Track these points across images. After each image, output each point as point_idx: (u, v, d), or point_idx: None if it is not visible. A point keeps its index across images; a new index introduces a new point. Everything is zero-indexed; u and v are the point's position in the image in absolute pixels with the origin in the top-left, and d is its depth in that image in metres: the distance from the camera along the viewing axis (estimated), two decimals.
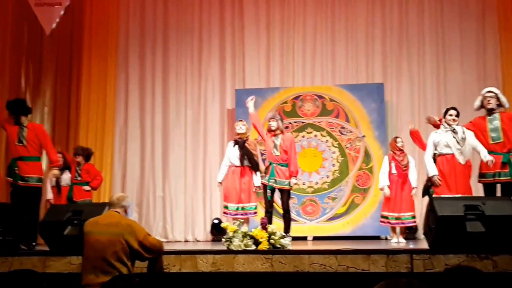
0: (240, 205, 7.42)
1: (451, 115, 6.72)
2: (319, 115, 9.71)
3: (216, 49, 10.37)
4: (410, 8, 10.00)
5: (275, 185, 7.07)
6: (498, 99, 6.50)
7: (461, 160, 6.53)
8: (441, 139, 6.62)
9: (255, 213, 7.57)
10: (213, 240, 9.51)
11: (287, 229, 6.94)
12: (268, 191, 7.09)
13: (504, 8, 9.53)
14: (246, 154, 7.47)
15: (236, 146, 7.51)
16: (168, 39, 10.47)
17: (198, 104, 10.27)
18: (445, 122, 6.72)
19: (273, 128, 7.19)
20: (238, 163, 7.47)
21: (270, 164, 7.13)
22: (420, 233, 8.13)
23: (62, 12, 9.43)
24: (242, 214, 7.35)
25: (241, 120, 7.75)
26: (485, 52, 9.68)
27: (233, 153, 7.52)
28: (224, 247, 5.68)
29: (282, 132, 7.25)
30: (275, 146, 7.13)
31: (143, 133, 10.30)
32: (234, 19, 10.41)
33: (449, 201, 5.39)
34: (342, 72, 10.06)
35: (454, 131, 6.61)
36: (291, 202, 9.30)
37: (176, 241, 9.57)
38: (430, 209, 5.18)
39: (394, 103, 9.84)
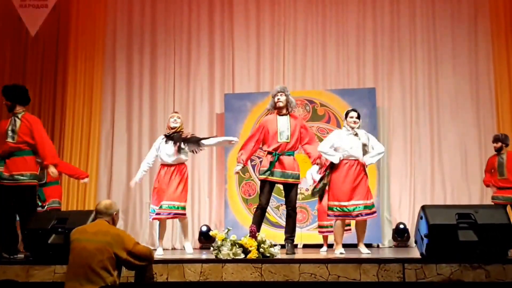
0: (170, 202, 6.76)
1: (351, 117, 6.64)
2: (309, 120, 9.63)
3: (205, 53, 10.29)
4: (401, 12, 9.97)
5: (281, 179, 6.45)
6: None
7: (366, 163, 6.59)
8: (343, 143, 6.52)
9: (185, 214, 7.00)
10: (201, 248, 9.40)
11: (293, 230, 6.58)
12: (268, 186, 6.44)
13: (496, 13, 9.54)
14: (186, 141, 6.88)
15: (170, 142, 6.90)
16: (156, 41, 10.38)
17: (186, 108, 10.17)
18: (347, 125, 6.62)
19: (281, 104, 6.51)
20: (171, 160, 6.89)
21: (274, 154, 6.43)
22: (412, 242, 8.05)
23: (46, 15, 9.34)
24: (174, 214, 6.80)
25: (176, 112, 7.25)
26: (477, 57, 9.67)
27: (165, 151, 6.91)
28: (212, 256, 5.59)
29: (290, 113, 6.55)
30: (280, 130, 6.48)
31: (130, 137, 10.18)
32: (224, 22, 10.33)
33: (441, 209, 5.34)
34: (333, 77, 10.01)
35: (356, 135, 6.58)
36: (281, 208, 9.28)
37: (164, 249, 9.42)
38: (422, 217, 5.11)
39: (385, 108, 9.78)
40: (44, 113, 10.29)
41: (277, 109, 6.56)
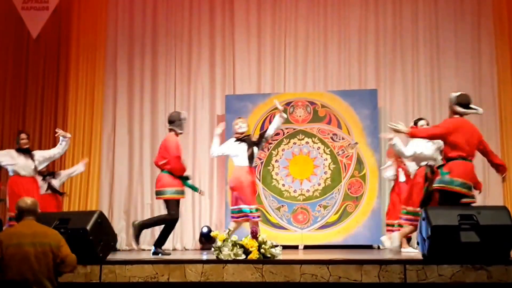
0: (252, 206, 6.91)
1: (422, 125, 6.87)
2: (310, 121, 9.61)
3: (206, 54, 10.26)
4: (404, 13, 9.93)
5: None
6: None
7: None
8: (423, 150, 6.65)
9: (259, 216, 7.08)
10: (202, 249, 9.39)
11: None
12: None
13: (499, 14, 9.46)
14: (257, 145, 7.08)
15: (243, 144, 7.04)
16: (157, 43, 10.36)
17: (187, 110, 10.10)
18: None
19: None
20: (246, 163, 6.98)
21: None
22: (413, 243, 8.02)
23: (48, 17, 9.36)
24: (253, 217, 6.92)
25: (240, 118, 7.38)
26: (481, 58, 9.61)
27: (236, 152, 7.07)
28: (213, 256, 5.59)
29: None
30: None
31: (131, 139, 10.17)
32: (225, 23, 10.31)
33: (443, 210, 5.32)
34: (335, 78, 9.97)
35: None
36: (282, 209, 9.29)
37: (165, 249, 9.42)
38: (424, 218, 5.10)
39: (387, 109, 9.75)
40: (45, 115, 10.27)
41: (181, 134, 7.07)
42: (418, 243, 5.47)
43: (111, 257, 5.92)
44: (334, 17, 10.10)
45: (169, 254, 6.98)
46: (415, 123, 7.02)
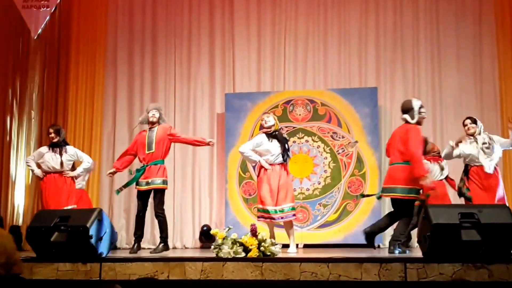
0: (279, 207, 6.73)
1: (465, 125, 7.16)
2: (310, 120, 9.59)
3: (205, 53, 10.24)
4: (404, 11, 9.89)
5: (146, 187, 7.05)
6: None
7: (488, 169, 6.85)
8: (470, 151, 6.96)
9: (294, 215, 6.99)
10: (201, 247, 9.37)
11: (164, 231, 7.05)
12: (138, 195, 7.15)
13: (501, 11, 9.40)
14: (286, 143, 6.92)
15: (275, 141, 6.84)
16: (157, 42, 10.34)
17: (187, 108, 10.14)
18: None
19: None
20: (280, 159, 6.80)
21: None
22: (414, 241, 8.01)
23: (48, 16, 9.34)
24: (281, 218, 6.78)
25: (265, 113, 7.23)
26: (482, 55, 9.56)
27: (272, 149, 6.80)
28: (213, 254, 5.58)
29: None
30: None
31: (132, 138, 10.11)
32: (224, 21, 10.29)
33: (444, 208, 5.31)
34: (335, 76, 9.94)
35: (476, 141, 6.99)
36: None
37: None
38: (425, 216, 5.09)
39: (387, 107, 9.72)
40: (46, 114, 10.26)
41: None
42: (418, 242, 5.46)
43: (111, 255, 5.92)
44: (334, 15, 10.06)
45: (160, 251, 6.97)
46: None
